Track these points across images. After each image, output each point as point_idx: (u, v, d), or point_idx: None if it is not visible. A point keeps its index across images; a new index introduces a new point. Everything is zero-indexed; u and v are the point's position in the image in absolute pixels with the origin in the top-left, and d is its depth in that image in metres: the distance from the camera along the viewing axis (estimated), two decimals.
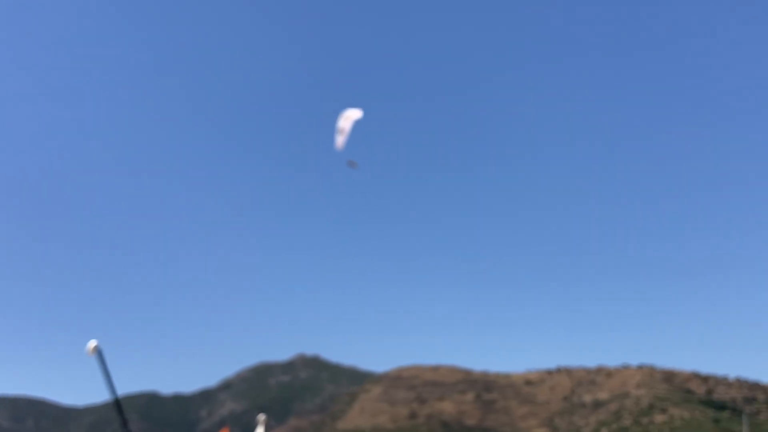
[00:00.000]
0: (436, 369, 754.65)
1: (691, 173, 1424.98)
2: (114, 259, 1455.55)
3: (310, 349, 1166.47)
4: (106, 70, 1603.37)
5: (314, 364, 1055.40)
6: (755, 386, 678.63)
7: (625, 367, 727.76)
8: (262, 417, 47.39)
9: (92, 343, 34.45)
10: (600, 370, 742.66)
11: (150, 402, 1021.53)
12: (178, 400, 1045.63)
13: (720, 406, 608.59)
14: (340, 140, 76.29)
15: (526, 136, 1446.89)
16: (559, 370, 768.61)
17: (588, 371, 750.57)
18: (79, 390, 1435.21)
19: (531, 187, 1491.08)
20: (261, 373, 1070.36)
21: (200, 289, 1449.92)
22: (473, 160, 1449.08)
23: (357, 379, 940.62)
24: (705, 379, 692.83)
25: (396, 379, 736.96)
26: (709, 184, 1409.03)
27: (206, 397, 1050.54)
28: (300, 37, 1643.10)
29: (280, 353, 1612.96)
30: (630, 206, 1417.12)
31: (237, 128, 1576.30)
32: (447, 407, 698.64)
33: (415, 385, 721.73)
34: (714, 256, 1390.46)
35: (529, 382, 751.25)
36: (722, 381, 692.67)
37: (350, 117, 77.11)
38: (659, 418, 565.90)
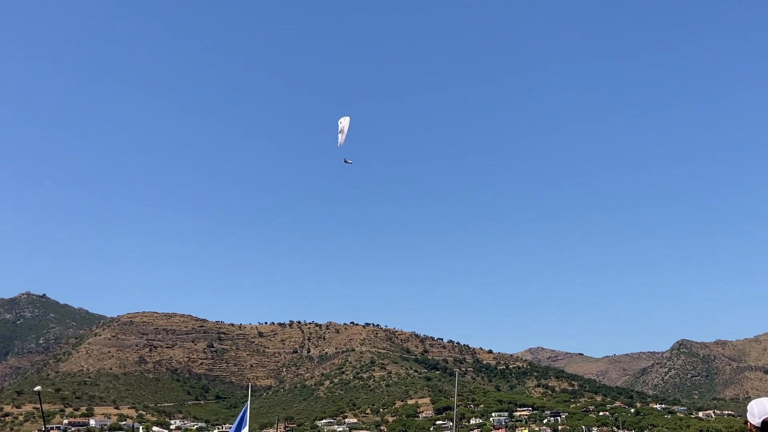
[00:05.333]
0: (169, 316, 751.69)
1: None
2: None
3: (36, 289, 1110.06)
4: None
5: (40, 303, 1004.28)
6: (465, 349, 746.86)
7: (353, 325, 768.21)
8: None
9: None
10: (330, 326, 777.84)
11: None
12: None
13: (433, 366, 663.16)
14: (341, 138, 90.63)
15: None
16: (291, 324, 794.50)
17: (318, 326, 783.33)
18: None
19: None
20: None
21: None
22: None
23: (86, 321, 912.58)
24: (422, 339, 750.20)
25: (127, 324, 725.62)
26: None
27: None
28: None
29: (4, 290, 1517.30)
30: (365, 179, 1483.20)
31: None
32: (177, 354, 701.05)
33: (147, 332, 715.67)
34: (433, 226, 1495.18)
35: (261, 334, 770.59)
36: (437, 342, 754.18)
37: (344, 122, 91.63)
38: (378, 373, 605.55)
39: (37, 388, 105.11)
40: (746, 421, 12.74)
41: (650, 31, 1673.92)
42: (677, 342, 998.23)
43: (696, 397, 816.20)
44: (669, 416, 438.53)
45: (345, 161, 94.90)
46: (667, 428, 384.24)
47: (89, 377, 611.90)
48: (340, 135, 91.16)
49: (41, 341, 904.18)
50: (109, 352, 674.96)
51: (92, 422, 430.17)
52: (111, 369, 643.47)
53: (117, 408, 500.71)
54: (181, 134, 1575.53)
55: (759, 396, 13.09)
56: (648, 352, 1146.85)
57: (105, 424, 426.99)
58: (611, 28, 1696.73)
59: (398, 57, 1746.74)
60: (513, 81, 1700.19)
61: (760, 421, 12.25)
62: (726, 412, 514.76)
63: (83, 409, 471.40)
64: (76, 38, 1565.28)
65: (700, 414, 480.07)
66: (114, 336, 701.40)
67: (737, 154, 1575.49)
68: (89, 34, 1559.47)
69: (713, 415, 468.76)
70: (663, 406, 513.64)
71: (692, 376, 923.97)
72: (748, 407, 12.76)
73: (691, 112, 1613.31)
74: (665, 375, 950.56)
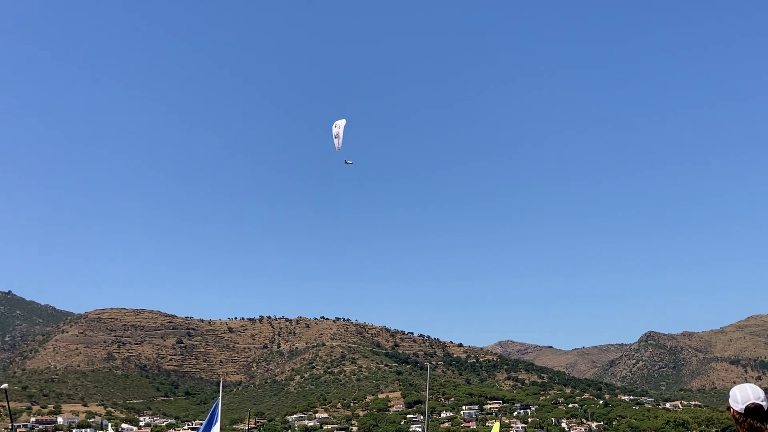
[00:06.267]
0: (138, 312, 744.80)
1: None
2: None
3: (1, 285, 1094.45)
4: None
5: (6, 300, 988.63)
6: (435, 342, 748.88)
7: (323, 320, 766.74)
8: None
9: None
10: (300, 321, 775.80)
11: None
12: None
13: (403, 360, 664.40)
14: (337, 143, 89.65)
15: None
16: (261, 319, 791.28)
17: (288, 321, 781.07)
18: None
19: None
20: None
21: None
22: None
23: (53, 318, 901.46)
24: (393, 334, 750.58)
25: (94, 321, 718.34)
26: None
27: None
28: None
29: None
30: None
31: None
32: (146, 351, 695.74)
33: (115, 328, 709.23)
34: (404, 221, 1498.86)
35: (231, 330, 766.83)
36: (407, 336, 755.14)
37: (339, 125, 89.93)
38: (349, 368, 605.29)
39: (4, 385, 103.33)
40: (729, 407, 12.54)
41: (646, 37, 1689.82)
42: (645, 334, 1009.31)
43: (663, 388, 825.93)
44: (637, 407, 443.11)
45: (345, 162, 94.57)
46: (635, 419, 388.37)
47: (57, 374, 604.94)
48: (335, 140, 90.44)
49: (7, 338, 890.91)
50: (77, 348, 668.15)
51: (60, 420, 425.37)
52: (79, 366, 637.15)
53: (85, 405, 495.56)
54: (150, 131, 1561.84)
55: (725, 386, 13.13)
56: (616, 344, 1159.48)
57: (73, 422, 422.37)
58: (609, 34, 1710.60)
59: (392, 58, 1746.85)
60: (482, 83, 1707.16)
61: (744, 406, 12.09)
62: (693, 402, 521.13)
63: (51, 407, 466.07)
64: (54, 32, 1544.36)
65: (668, 405, 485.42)
66: (82, 332, 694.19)
67: (701, 151, 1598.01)
68: (74, 31, 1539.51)
69: (680, 406, 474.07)
70: (631, 397, 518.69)
71: (660, 368, 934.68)
72: (731, 393, 12.61)
73: (672, 117, 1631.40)
74: (633, 367, 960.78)
